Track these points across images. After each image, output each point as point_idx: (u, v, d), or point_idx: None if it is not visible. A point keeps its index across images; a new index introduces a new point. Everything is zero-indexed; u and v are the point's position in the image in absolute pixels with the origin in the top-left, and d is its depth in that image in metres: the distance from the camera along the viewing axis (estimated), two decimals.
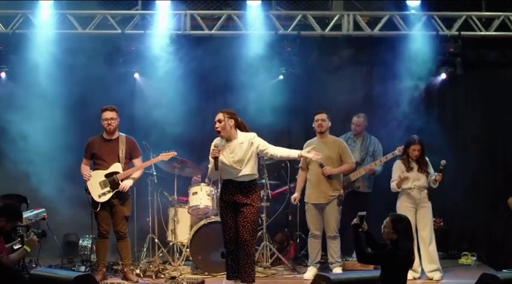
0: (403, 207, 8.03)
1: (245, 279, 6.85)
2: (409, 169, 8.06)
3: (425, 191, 8.06)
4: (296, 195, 8.35)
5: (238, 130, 6.99)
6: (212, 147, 6.99)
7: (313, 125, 8.30)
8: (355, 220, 5.87)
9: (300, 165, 8.39)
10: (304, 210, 8.36)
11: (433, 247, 8.07)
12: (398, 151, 8.36)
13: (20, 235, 6.40)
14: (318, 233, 8.18)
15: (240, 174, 6.89)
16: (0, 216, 6.02)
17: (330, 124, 8.27)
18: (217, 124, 6.90)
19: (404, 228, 5.73)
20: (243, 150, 6.90)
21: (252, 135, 6.97)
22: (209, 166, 7.08)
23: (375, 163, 8.65)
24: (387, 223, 5.75)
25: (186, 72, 9.41)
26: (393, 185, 8.12)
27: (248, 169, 6.90)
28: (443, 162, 7.95)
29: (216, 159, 6.90)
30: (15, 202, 6.44)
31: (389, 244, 5.75)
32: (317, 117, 8.25)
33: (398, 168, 8.14)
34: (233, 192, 6.96)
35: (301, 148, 8.53)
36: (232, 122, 6.92)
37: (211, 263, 8.09)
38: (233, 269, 6.98)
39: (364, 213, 5.88)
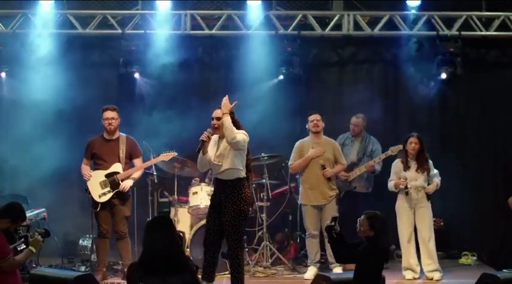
0: (401, 208, 8.03)
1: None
2: (406, 168, 8.01)
3: (424, 191, 8.01)
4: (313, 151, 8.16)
5: None
6: (205, 132, 6.72)
7: (306, 126, 8.30)
8: (328, 222, 5.92)
9: (290, 163, 8.30)
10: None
11: (432, 247, 8.04)
12: (391, 151, 8.34)
13: (24, 236, 6.37)
14: (316, 233, 8.18)
15: (221, 169, 6.67)
16: (5, 217, 5.94)
17: (324, 125, 8.27)
18: (215, 122, 6.70)
19: (380, 225, 5.72)
20: (224, 145, 6.70)
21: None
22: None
23: (374, 160, 8.61)
24: (363, 222, 5.74)
25: (186, 72, 9.40)
26: (390, 185, 8.10)
27: (228, 163, 6.64)
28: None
29: (203, 142, 6.66)
30: (19, 202, 6.38)
31: (365, 241, 5.75)
32: (312, 117, 8.23)
33: (395, 166, 8.10)
34: (218, 191, 6.80)
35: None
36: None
37: None
38: (207, 270, 6.76)
39: (336, 215, 5.96)
